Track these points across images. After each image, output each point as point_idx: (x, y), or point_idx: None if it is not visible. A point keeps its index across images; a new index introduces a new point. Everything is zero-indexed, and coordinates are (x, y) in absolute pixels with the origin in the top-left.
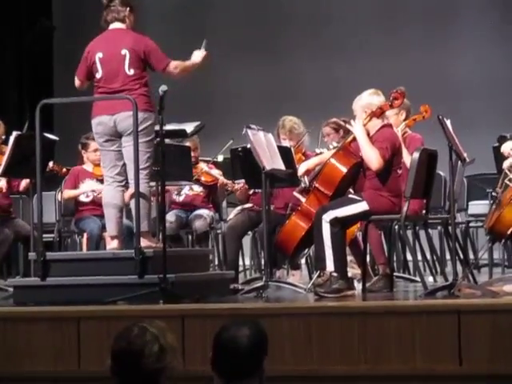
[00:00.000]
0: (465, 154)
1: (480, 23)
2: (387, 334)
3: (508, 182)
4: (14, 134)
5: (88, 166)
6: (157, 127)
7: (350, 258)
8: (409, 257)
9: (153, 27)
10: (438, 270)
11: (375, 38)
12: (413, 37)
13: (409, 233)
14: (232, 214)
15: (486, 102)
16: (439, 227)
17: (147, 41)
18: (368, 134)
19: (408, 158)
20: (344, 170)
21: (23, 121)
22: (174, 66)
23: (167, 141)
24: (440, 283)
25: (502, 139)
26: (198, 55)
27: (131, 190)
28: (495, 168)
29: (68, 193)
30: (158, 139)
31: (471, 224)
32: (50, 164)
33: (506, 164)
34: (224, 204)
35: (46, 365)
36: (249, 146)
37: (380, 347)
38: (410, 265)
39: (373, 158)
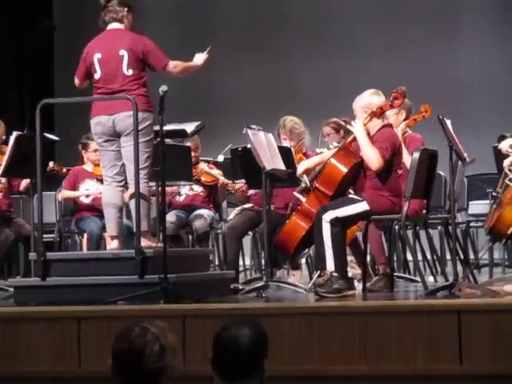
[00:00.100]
0: (465, 154)
1: (480, 23)
2: (388, 334)
3: (508, 182)
4: (15, 134)
5: (88, 166)
6: (157, 127)
7: (350, 257)
8: (409, 257)
9: (153, 27)
10: (439, 269)
11: (375, 37)
12: (413, 37)
13: (409, 233)
14: (232, 214)
15: (487, 101)
16: (439, 227)
17: (145, 41)
18: (368, 134)
19: (408, 158)
20: (344, 169)
21: (23, 121)
22: (174, 65)
23: (168, 141)
24: (440, 283)
25: (502, 139)
26: (200, 58)
27: (131, 190)
28: (495, 168)
29: (66, 193)
30: (159, 139)
31: (471, 224)
32: (51, 164)
33: (506, 163)
34: (224, 204)
35: (47, 365)
36: (249, 145)
37: (380, 347)
38: (411, 265)
39: (373, 157)
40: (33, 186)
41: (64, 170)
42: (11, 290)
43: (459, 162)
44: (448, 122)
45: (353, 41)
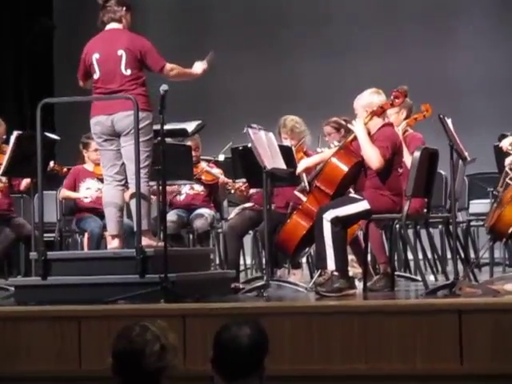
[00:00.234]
0: (466, 153)
1: (480, 23)
2: (388, 334)
3: (509, 181)
4: (15, 133)
5: (89, 166)
6: (158, 126)
7: (351, 257)
8: (410, 256)
9: (153, 27)
10: (439, 268)
11: (375, 37)
12: (413, 36)
13: (410, 232)
14: (233, 213)
15: (487, 101)
16: (440, 226)
17: (143, 41)
18: (369, 133)
19: (409, 157)
20: (345, 169)
21: (23, 120)
22: (170, 68)
23: (168, 140)
24: (441, 282)
25: (503, 138)
26: (199, 67)
27: (131, 189)
28: (496, 167)
29: (66, 193)
30: (159, 138)
31: (472, 223)
32: (51, 164)
33: (507, 161)
34: (225, 203)
35: (47, 364)
36: (250, 145)
37: (381, 346)
38: (411, 264)
39: (373, 157)
40: (33, 185)
41: (64, 169)
42: (12, 289)
43: (460, 161)
44: (449, 121)
45: (353, 41)
